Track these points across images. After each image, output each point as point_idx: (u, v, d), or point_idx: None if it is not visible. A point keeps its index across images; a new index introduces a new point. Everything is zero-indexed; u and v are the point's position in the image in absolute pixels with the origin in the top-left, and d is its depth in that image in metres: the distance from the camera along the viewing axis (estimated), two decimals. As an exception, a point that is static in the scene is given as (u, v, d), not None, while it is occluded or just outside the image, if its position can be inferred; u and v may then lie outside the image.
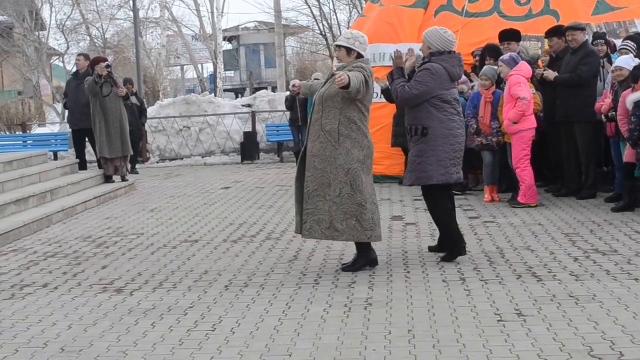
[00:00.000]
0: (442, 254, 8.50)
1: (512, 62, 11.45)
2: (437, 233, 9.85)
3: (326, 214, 7.87)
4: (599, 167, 12.37)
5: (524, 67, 11.48)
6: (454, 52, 8.46)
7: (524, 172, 11.31)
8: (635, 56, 11.49)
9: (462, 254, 8.42)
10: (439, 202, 8.51)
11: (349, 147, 7.85)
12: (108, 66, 15.44)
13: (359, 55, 8.05)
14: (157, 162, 22.50)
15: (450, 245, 8.48)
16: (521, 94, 11.18)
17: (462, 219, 10.70)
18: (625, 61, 11.09)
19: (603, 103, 11.37)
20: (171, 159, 22.70)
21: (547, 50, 12.90)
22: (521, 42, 13.16)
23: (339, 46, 8.10)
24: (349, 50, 8.02)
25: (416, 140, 8.35)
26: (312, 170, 7.93)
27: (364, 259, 8.11)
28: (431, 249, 8.88)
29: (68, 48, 41.57)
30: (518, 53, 12.32)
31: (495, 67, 12.21)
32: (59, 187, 13.66)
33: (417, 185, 8.70)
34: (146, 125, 21.64)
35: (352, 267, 8.10)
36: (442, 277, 7.65)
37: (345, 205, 7.84)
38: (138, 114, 19.46)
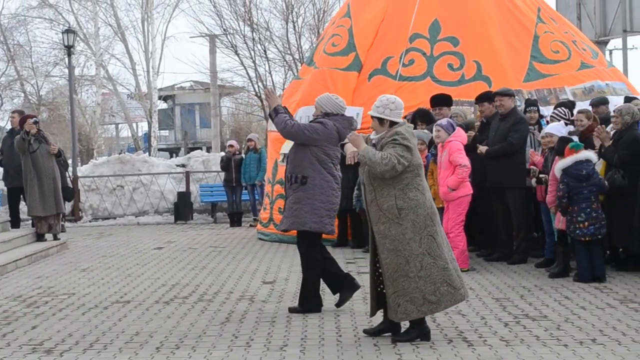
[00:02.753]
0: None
1: (450, 128, 11.57)
2: (369, 296, 9.89)
3: (416, 291, 7.54)
4: (529, 233, 12.53)
5: (461, 134, 11.63)
6: (345, 115, 9.21)
7: (458, 238, 11.39)
8: (567, 124, 11.73)
9: (316, 311, 8.98)
10: (311, 253, 9.06)
11: (413, 218, 7.58)
12: (36, 122, 15.33)
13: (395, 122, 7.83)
14: (90, 221, 22.26)
15: (302, 298, 9.11)
16: (461, 162, 11.28)
17: (394, 283, 10.72)
18: (555, 128, 11.31)
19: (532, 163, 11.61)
20: (104, 218, 22.48)
21: (479, 115, 13.12)
22: (453, 106, 13.36)
23: (371, 116, 7.96)
24: (380, 120, 7.88)
25: (295, 189, 8.88)
26: (387, 253, 7.63)
27: (417, 331, 7.70)
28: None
29: (2, 104, 41.20)
30: (452, 117, 12.51)
31: (427, 131, 12.35)
32: (-11, 245, 13.45)
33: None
34: (79, 183, 21.43)
35: (404, 337, 7.71)
36: (373, 342, 7.66)
37: (432, 275, 7.54)
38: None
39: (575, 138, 11.02)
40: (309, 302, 9.04)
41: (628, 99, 13.06)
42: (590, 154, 10.56)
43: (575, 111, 12.14)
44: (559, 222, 10.82)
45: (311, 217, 8.85)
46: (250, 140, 20.14)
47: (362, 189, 7.98)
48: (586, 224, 10.41)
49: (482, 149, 12.10)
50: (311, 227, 8.90)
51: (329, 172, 8.94)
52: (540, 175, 11.35)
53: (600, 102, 13.08)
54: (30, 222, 16.98)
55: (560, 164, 10.54)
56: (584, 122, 11.46)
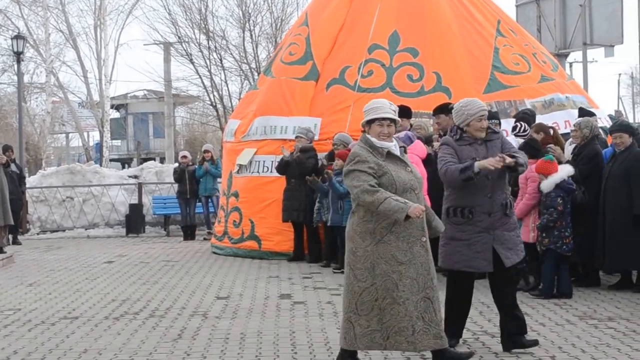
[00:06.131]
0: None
1: (408, 141, 11.46)
2: (325, 312, 9.76)
3: None
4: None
5: (419, 147, 11.51)
6: None
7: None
8: (517, 135, 11.65)
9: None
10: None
11: None
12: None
13: None
14: (38, 234, 21.95)
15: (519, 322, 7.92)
16: None
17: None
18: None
19: None
20: (53, 231, 22.17)
21: (436, 128, 13.02)
22: (413, 118, 13.26)
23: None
24: None
25: (511, 214, 7.87)
26: None
27: None
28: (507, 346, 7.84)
29: (-52, 113, 40.69)
30: (412, 130, 12.39)
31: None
32: None
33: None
34: (27, 194, 21.13)
35: None
36: (329, 359, 7.55)
37: None
38: (18, 182, 19.01)
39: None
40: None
41: (584, 112, 13.00)
42: (572, 168, 10.50)
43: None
44: (529, 235, 10.63)
45: None
46: (206, 151, 19.97)
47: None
48: (570, 238, 10.39)
49: None
50: None
51: None
52: None
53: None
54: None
55: (554, 179, 10.35)
56: (534, 137, 11.43)
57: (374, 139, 6.99)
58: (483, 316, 9.36)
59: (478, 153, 7.62)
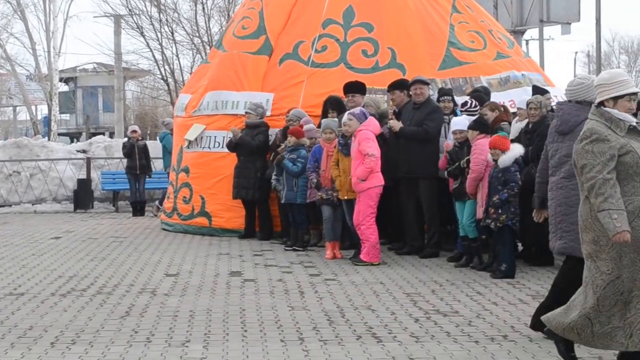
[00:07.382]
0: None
1: (363, 117, 11.35)
2: (276, 290, 9.67)
3: None
4: (442, 226, 12.36)
5: (372, 123, 11.41)
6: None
7: (369, 231, 11.17)
8: (470, 114, 11.60)
9: None
10: None
11: None
12: None
13: None
14: (-17, 209, 21.56)
15: None
16: (370, 151, 11.07)
17: (302, 276, 10.59)
18: (462, 123, 11.15)
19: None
20: (-1, 206, 21.79)
21: (391, 105, 12.95)
22: (367, 95, 13.15)
23: None
24: None
25: None
26: None
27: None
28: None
29: None
30: (364, 106, 12.28)
31: (337, 119, 12.12)
32: None
33: None
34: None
35: None
36: (280, 337, 7.50)
37: None
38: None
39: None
40: None
41: (538, 90, 12.95)
42: (522, 147, 10.49)
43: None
44: (480, 211, 10.59)
45: None
46: None
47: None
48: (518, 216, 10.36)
49: (396, 125, 11.91)
50: None
51: None
52: (449, 168, 11.19)
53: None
54: None
55: (513, 153, 10.20)
56: (489, 115, 11.39)
57: (614, 111, 6.21)
58: (435, 295, 9.31)
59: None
